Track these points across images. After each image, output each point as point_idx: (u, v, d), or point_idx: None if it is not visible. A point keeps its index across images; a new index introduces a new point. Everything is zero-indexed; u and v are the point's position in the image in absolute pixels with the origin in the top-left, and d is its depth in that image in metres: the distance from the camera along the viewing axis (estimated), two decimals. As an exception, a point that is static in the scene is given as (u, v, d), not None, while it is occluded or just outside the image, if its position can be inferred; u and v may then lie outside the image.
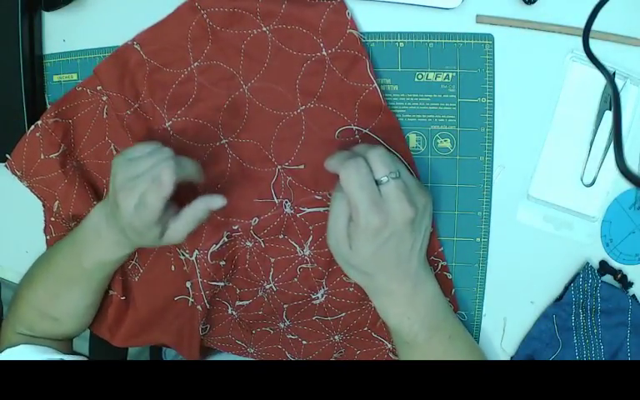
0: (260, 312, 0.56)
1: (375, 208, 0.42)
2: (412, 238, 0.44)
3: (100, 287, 0.55)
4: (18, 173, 0.55)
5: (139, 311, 0.58)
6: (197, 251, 0.52)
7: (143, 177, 0.44)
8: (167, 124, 0.51)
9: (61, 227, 0.58)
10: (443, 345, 0.48)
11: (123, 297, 0.57)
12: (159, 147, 0.46)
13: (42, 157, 0.53)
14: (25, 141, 0.54)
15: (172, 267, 0.56)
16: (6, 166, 0.55)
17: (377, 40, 0.49)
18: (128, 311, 0.58)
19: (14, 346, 0.55)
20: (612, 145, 0.44)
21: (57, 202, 0.55)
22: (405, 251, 0.44)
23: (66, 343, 0.59)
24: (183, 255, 0.54)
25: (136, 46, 0.51)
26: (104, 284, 0.55)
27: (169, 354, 0.79)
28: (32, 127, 0.54)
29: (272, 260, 0.53)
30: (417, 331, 0.47)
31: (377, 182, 0.43)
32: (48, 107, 0.57)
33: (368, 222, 0.42)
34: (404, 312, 0.47)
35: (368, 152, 0.44)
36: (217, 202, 0.46)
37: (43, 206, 0.58)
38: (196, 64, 0.50)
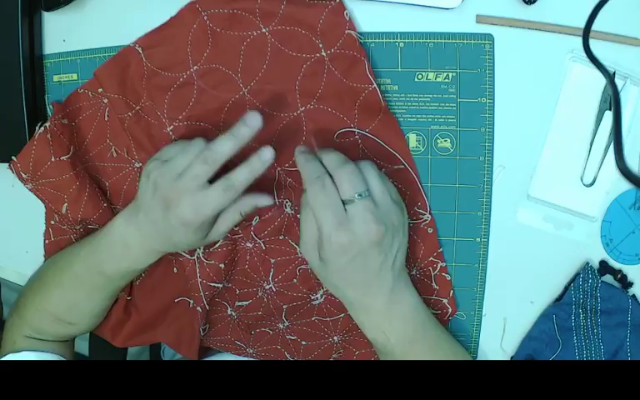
0: (259, 313, 0.56)
1: (339, 228, 0.41)
2: (380, 258, 0.43)
3: (120, 291, 0.55)
4: (24, 176, 0.54)
5: (141, 313, 0.58)
6: (197, 250, 0.52)
7: (186, 174, 0.44)
8: (168, 128, 0.51)
9: (61, 230, 0.57)
10: (423, 356, 0.48)
11: (129, 297, 0.57)
12: (188, 142, 0.46)
13: (53, 159, 0.53)
14: (33, 143, 0.53)
15: (175, 269, 0.56)
16: (10, 168, 0.54)
17: (377, 40, 0.49)
18: (131, 313, 0.58)
19: (17, 351, 0.55)
20: (612, 145, 0.44)
21: (66, 204, 0.54)
22: (373, 270, 0.44)
23: (69, 344, 0.60)
24: (183, 255, 0.54)
25: (138, 48, 0.51)
26: (123, 288, 0.56)
27: (167, 353, 0.79)
28: (41, 129, 0.53)
29: (273, 261, 0.53)
30: (394, 344, 0.47)
31: (344, 202, 0.42)
32: (48, 107, 0.57)
33: (332, 242, 0.42)
34: (379, 326, 0.47)
35: (337, 170, 0.43)
36: (264, 200, 0.47)
37: (46, 208, 0.58)
38: (195, 68, 0.50)
